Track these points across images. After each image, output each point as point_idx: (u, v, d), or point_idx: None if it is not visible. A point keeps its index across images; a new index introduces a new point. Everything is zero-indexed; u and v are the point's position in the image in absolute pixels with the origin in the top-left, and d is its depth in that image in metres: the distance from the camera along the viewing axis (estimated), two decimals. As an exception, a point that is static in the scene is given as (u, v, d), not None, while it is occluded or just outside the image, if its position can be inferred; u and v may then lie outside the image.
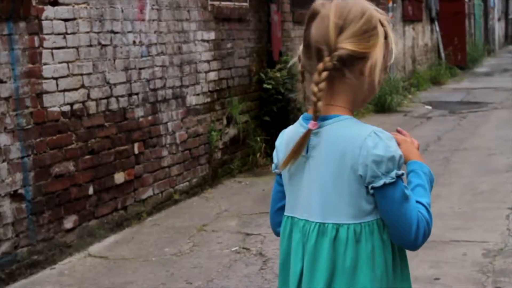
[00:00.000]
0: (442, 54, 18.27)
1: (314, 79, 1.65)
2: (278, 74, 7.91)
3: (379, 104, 11.43)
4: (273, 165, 1.87)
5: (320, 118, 1.67)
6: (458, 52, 18.59)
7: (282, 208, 1.84)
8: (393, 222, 1.67)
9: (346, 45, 1.64)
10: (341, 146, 1.66)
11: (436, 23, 18.12)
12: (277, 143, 1.84)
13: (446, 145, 8.24)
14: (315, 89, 1.64)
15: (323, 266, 1.68)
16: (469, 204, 5.75)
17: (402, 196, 1.66)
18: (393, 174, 1.64)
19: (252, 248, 4.91)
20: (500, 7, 31.16)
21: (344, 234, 1.67)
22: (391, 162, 1.64)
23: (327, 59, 1.65)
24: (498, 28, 30.38)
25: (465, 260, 4.45)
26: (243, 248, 4.92)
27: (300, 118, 1.77)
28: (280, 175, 1.84)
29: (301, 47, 1.76)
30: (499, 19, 30.62)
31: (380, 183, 1.64)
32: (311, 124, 1.67)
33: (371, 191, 1.66)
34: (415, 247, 1.69)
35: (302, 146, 1.70)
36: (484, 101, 12.53)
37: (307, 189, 1.73)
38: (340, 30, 1.66)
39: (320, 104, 1.65)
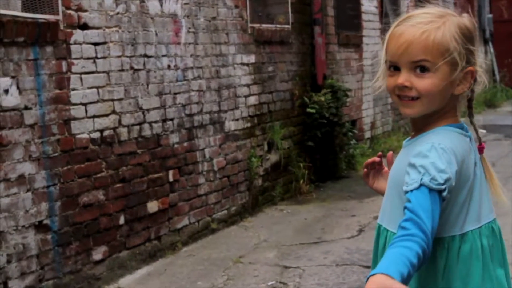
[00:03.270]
0: (497, 76, 17.71)
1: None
2: (322, 98, 7.64)
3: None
4: (448, 189, 1.62)
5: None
6: (513, 74, 18.01)
7: None
8: None
9: None
10: None
11: (490, 44, 17.61)
12: (454, 162, 1.66)
13: (500, 172, 7.81)
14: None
15: None
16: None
17: None
18: None
19: (290, 282, 4.62)
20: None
21: None
22: None
23: None
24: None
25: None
26: (280, 282, 4.64)
27: (457, 127, 1.76)
28: (446, 190, 1.63)
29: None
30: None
31: None
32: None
33: None
34: None
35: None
36: (541, 124, 11.98)
37: (480, 196, 1.76)
38: None
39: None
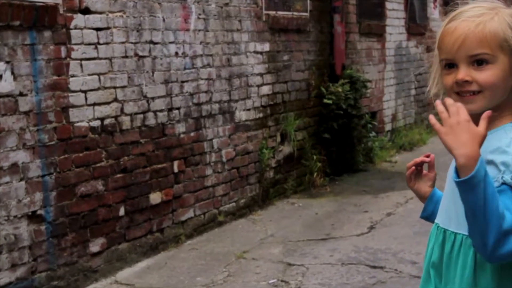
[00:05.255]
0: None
1: None
2: (340, 89, 7.42)
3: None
4: None
5: None
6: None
7: None
8: None
9: None
10: None
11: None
12: None
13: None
14: None
15: None
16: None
17: None
18: None
19: (292, 281, 4.45)
20: None
21: None
22: None
23: None
24: None
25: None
26: (282, 281, 4.47)
27: None
28: None
29: None
30: None
31: None
32: None
33: None
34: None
35: None
36: None
37: None
38: None
39: None
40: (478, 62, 1.62)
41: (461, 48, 1.63)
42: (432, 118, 1.55)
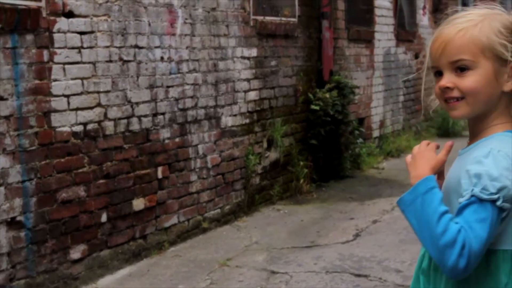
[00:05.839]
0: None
1: None
2: (327, 95, 7.39)
3: (442, 128, 10.74)
4: (503, 198, 1.53)
5: None
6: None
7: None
8: None
9: None
10: None
11: None
12: (510, 162, 1.55)
13: None
14: None
15: None
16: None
17: None
18: None
19: (275, 289, 4.40)
20: None
21: None
22: None
23: None
24: None
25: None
26: (265, 289, 4.42)
27: None
28: (500, 200, 1.53)
29: None
30: None
31: None
32: None
33: None
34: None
35: None
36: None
37: None
38: None
39: None
40: (461, 68, 1.62)
41: (442, 54, 1.63)
42: (407, 158, 1.64)
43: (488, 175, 1.51)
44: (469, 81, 1.61)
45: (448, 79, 1.63)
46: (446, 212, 1.51)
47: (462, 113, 1.64)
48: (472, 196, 1.51)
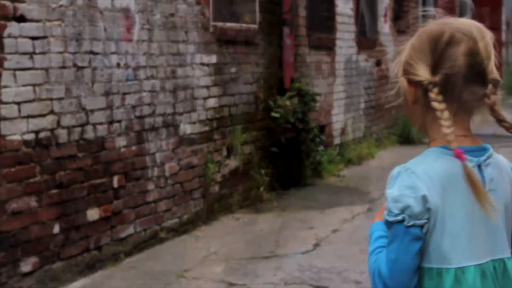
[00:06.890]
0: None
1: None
2: (288, 102, 7.33)
3: (403, 135, 10.77)
4: (409, 217, 1.50)
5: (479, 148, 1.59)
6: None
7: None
8: None
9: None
10: (506, 176, 1.59)
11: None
12: (421, 186, 1.50)
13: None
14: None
15: None
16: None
17: None
18: None
19: (232, 302, 4.31)
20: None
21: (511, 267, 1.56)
22: None
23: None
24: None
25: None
26: (222, 302, 4.32)
27: (444, 151, 1.52)
28: (421, 226, 1.50)
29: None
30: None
31: None
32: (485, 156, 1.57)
33: None
34: None
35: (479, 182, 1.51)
36: (517, 135, 11.75)
37: (486, 228, 1.54)
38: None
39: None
40: None
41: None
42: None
43: (392, 197, 1.50)
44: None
45: None
46: (376, 248, 1.56)
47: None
48: (385, 219, 1.54)
